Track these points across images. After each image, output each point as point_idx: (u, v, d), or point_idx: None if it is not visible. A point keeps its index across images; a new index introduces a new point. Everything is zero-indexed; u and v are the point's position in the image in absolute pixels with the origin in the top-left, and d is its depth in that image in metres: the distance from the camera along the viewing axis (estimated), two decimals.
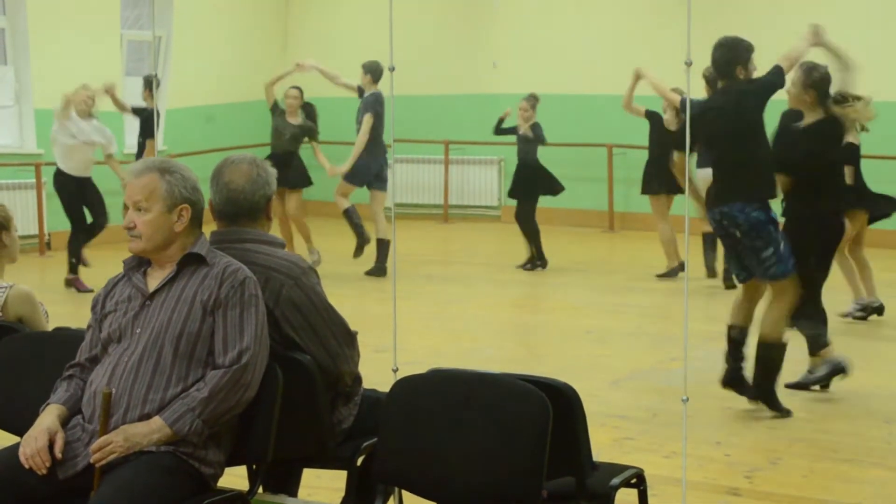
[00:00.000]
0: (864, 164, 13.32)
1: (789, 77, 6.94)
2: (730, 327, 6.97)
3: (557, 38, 15.55)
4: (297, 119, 11.95)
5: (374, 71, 11.71)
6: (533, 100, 12.16)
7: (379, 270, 11.66)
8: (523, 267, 12.07)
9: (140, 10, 15.44)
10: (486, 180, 16.36)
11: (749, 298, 6.99)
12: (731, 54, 6.82)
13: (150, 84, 11.50)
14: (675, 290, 10.74)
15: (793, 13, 14.00)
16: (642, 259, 12.39)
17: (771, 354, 6.78)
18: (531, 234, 12.07)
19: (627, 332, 9.30)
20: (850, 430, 6.57)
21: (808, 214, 6.87)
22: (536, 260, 12.08)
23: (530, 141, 12.01)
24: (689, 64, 4.50)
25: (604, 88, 15.18)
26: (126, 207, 3.87)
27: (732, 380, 6.93)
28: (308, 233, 12.06)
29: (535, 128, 12.02)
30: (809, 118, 6.96)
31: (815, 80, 6.95)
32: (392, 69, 5.11)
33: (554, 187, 12.15)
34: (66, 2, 13.96)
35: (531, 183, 12.05)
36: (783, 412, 6.75)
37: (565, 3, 15.66)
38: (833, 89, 7.00)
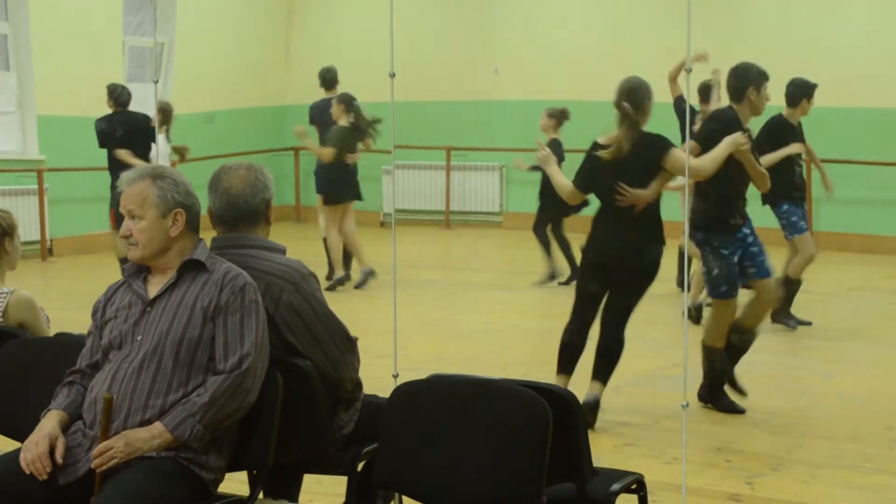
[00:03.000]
0: (866, 169, 13.42)
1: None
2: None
3: (559, 45, 15.57)
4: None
5: (321, 79, 11.97)
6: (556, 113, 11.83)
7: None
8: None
9: (142, 17, 15.46)
10: (488, 186, 16.36)
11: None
12: (742, 79, 6.97)
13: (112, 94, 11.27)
14: (675, 297, 10.73)
15: (794, 21, 14.04)
16: None
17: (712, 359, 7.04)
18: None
19: (629, 338, 9.24)
20: (851, 436, 6.56)
21: None
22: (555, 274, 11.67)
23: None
24: (688, 71, 4.52)
25: (605, 95, 15.09)
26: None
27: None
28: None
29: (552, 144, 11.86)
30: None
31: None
32: (393, 75, 5.12)
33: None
34: (69, 8, 13.99)
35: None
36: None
37: (567, 10, 15.67)
38: None
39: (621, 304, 6.73)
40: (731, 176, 6.80)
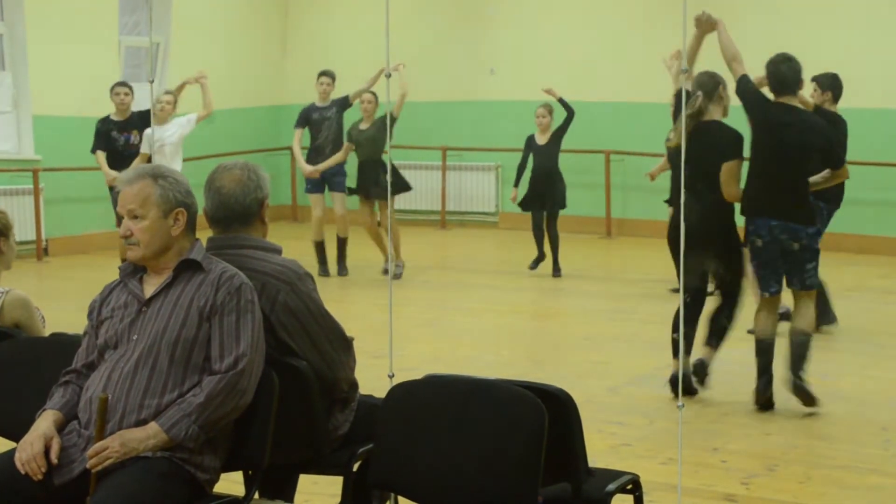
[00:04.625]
0: (860, 169, 13.39)
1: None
2: (763, 341, 7.12)
3: (554, 45, 15.57)
4: (372, 122, 11.85)
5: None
6: (549, 107, 12.10)
7: (342, 270, 12.06)
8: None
9: (138, 16, 15.44)
10: (484, 187, 16.36)
11: (774, 310, 7.19)
12: (797, 72, 7.00)
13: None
14: (672, 297, 10.73)
15: (787, 22, 14.05)
16: (639, 265, 12.39)
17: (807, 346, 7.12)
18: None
19: (625, 338, 9.30)
20: (847, 437, 6.57)
21: None
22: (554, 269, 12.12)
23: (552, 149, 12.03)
24: (684, 71, 4.53)
25: (601, 95, 15.21)
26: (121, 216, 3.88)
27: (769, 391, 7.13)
28: (398, 243, 11.81)
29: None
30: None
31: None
32: (388, 75, 5.13)
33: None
34: (65, 8, 13.97)
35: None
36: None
37: (562, 10, 15.67)
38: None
39: None
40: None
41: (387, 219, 11.76)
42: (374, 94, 11.84)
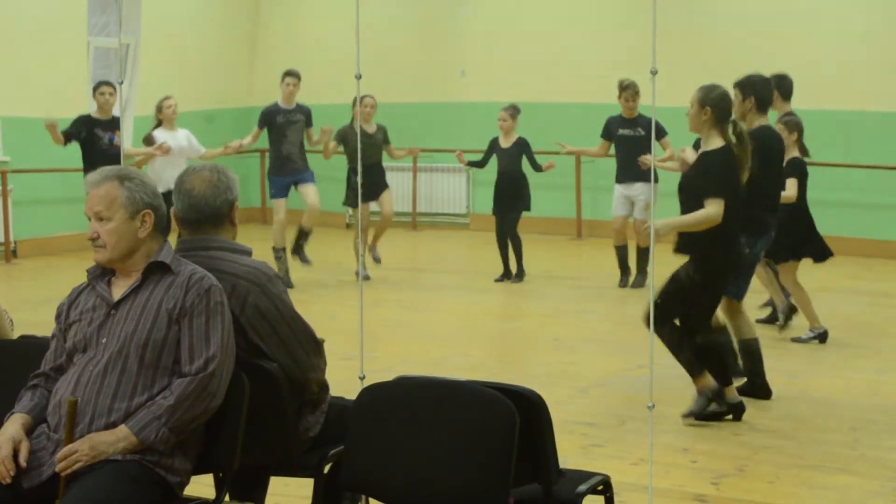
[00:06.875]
0: (827, 171, 13.50)
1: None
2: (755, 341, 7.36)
3: (525, 47, 15.59)
4: (372, 127, 11.81)
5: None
6: (512, 110, 12.00)
7: (304, 259, 11.88)
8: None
9: (107, 17, 15.36)
10: (455, 188, 16.37)
11: None
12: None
13: None
14: (642, 298, 10.76)
15: (756, 25, 14.13)
16: (610, 267, 12.41)
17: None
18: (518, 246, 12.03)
19: (595, 339, 9.32)
20: (816, 437, 6.60)
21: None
22: (517, 272, 12.01)
23: (514, 153, 11.93)
24: (654, 73, 4.53)
25: (571, 97, 15.24)
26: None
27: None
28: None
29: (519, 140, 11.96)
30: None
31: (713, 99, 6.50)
32: (359, 77, 5.12)
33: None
34: (33, 8, 13.88)
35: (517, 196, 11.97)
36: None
37: (533, 13, 15.69)
38: None
39: None
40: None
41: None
42: (373, 97, 11.79)
